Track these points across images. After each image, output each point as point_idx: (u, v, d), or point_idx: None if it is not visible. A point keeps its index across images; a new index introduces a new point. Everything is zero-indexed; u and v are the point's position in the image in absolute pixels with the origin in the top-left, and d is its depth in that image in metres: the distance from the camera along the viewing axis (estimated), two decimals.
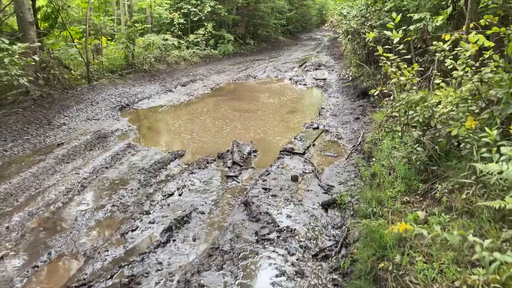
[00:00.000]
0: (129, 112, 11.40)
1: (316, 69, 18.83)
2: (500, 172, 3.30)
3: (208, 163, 7.35)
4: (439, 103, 5.13)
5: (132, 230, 4.97)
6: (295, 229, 4.93)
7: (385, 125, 7.50)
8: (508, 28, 4.73)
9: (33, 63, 9.27)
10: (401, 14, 6.49)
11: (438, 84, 5.43)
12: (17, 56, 8.95)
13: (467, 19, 6.42)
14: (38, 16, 13.38)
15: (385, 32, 6.46)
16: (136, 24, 17.86)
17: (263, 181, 6.48)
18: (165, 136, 9.46)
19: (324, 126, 9.61)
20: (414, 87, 5.84)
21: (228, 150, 7.87)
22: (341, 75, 16.59)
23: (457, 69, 5.36)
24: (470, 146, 4.40)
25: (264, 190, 6.12)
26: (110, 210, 5.56)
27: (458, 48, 4.94)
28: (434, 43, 5.27)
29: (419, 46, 9.80)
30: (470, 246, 3.43)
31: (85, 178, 6.62)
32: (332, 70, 18.22)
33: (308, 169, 7.02)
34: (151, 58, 17.23)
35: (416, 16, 8.62)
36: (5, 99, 9.98)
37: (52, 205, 5.66)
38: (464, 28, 6.66)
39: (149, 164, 7.22)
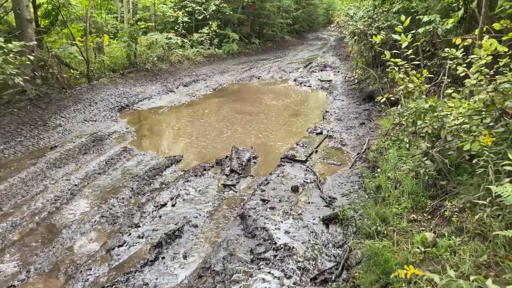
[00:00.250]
0: (128, 113, 11.11)
1: (321, 70, 18.46)
2: None
3: (205, 170, 7.03)
4: (450, 113, 4.78)
5: (119, 246, 4.66)
6: (293, 247, 4.60)
7: (392, 134, 7.14)
8: None
9: (28, 62, 8.96)
10: (410, 16, 6.12)
11: (450, 94, 5.07)
12: (11, 55, 8.67)
13: (481, 23, 6.05)
14: (39, 13, 13.11)
15: (393, 36, 6.11)
16: (139, 23, 17.57)
17: (262, 191, 6.15)
18: (163, 139, 9.15)
19: (328, 131, 9.26)
20: (423, 96, 5.48)
21: (227, 156, 7.55)
22: (347, 77, 16.21)
23: (469, 76, 5.03)
24: (484, 162, 4.06)
25: (262, 202, 5.79)
26: (98, 221, 5.25)
27: (472, 56, 4.58)
28: (446, 49, 4.90)
29: (427, 49, 9.43)
30: None
31: (75, 185, 6.32)
32: (338, 72, 17.85)
33: (310, 179, 6.69)
34: (153, 57, 16.94)
35: (425, 18, 8.25)
36: (0, 99, 9.70)
37: (38, 215, 5.37)
38: (476, 32, 6.29)
39: (144, 171, 6.92)
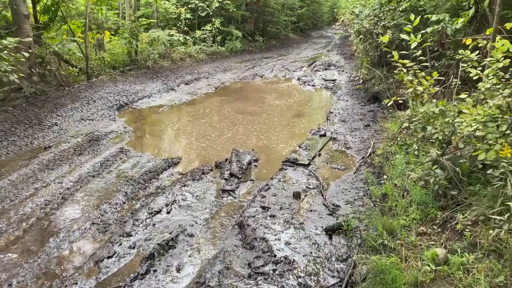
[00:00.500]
0: (127, 112, 10.84)
1: (325, 69, 18.13)
2: None
3: (203, 173, 6.75)
4: (464, 120, 4.48)
5: (109, 257, 4.38)
6: (294, 261, 4.31)
7: (398, 138, 6.85)
8: None
9: (23, 59, 8.69)
10: (418, 15, 5.81)
11: (462, 99, 4.76)
12: (6, 52, 8.41)
13: (494, 23, 5.73)
14: (38, 8, 12.84)
15: (402, 35, 5.80)
16: (140, 19, 17.30)
17: (262, 198, 5.86)
18: (162, 140, 8.87)
19: (331, 133, 8.95)
20: (434, 100, 5.17)
21: (226, 159, 7.26)
22: (351, 77, 15.88)
23: (482, 80, 4.73)
24: (501, 174, 3.77)
25: (262, 209, 5.50)
26: (88, 229, 4.98)
27: (488, 59, 4.27)
28: (460, 51, 4.59)
29: (435, 49, 9.09)
30: None
31: (68, 189, 6.05)
32: (342, 71, 17.51)
33: (312, 184, 6.39)
34: (155, 54, 16.66)
35: (434, 18, 7.92)
36: None
37: (25, 221, 5.10)
38: (487, 32, 5.98)
39: (140, 174, 6.64)
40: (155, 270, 4.19)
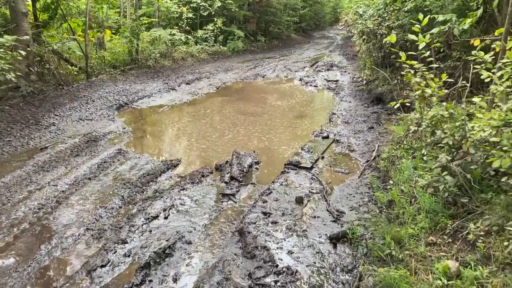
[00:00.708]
0: (126, 111, 10.65)
1: (328, 69, 17.92)
2: None
3: (203, 176, 6.55)
4: (478, 124, 4.27)
5: (102, 266, 4.18)
6: (296, 272, 4.10)
7: (404, 142, 6.63)
8: None
9: (20, 57, 8.50)
10: (423, 15, 5.59)
11: (473, 102, 4.56)
12: (2, 50, 8.21)
13: (506, 23, 5.51)
14: (37, 6, 12.65)
15: (410, 36, 5.59)
16: (142, 18, 17.10)
17: (263, 203, 5.65)
18: (161, 141, 8.66)
19: (334, 135, 8.73)
20: (443, 104, 4.96)
21: (227, 161, 7.06)
22: (354, 78, 15.66)
23: (491, 81, 4.53)
24: None
25: (263, 215, 5.29)
26: (82, 235, 4.77)
27: (504, 61, 4.06)
28: (473, 52, 4.39)
29: (442, 50, 8.88)
30: None
31: (62, 192, 5.85)
32: (345, 72, 17.30)
33: (316, 188, 6.18)
34: (156, 54, 16.46)
35: (440, 18, 7.71)
36: None
37: (16, 227, 4.90)
38: (496, 33, 5.77)
39: (137, 176, 6.44)
40: (150, 281, 3.98)
